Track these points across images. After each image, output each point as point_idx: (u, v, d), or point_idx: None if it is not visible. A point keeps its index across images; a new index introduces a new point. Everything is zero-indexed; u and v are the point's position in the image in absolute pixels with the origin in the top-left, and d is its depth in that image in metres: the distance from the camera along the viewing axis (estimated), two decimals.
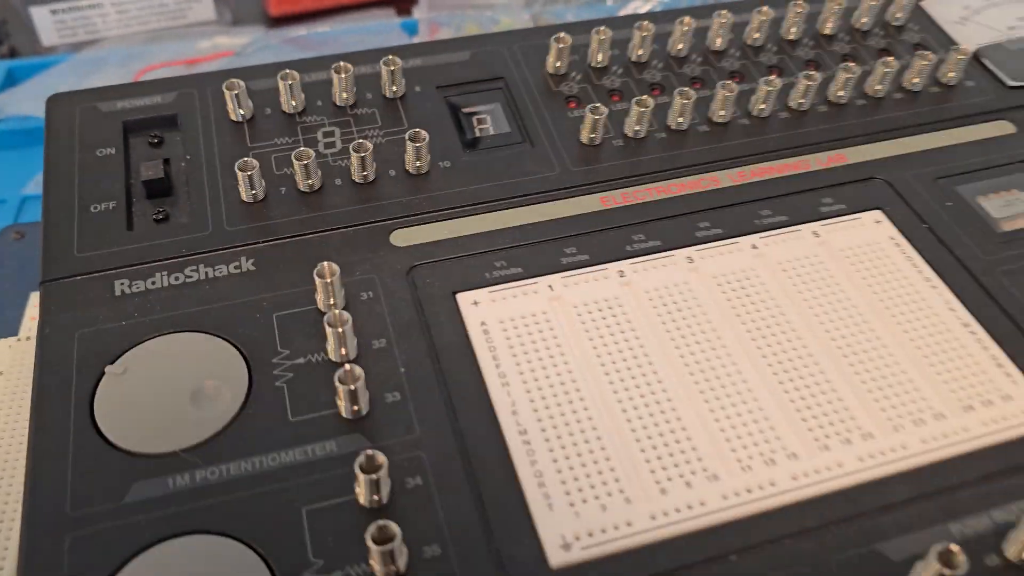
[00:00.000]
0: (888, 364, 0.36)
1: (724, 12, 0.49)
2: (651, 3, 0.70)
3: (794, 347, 0.37)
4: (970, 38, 0.53)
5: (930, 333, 0.38)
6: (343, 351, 0.35)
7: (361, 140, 0.41)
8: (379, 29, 0.70)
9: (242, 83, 0.43)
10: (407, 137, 0.41)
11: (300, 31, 0.69)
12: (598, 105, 0.43)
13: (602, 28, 0.47)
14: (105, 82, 0.63)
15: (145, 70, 0.66)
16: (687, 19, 0.48)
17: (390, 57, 0.45)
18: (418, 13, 0.71)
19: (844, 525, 0.31)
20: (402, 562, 0.29)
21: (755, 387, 0.35)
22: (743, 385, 0.35)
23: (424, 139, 0.41)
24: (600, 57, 0.48)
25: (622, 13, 0.70)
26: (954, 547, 0.28)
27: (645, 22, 0.48)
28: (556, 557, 0.30)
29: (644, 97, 0.44)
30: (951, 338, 0.37)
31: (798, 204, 0.43)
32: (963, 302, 0.39)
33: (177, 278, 0.38)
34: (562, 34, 0.47)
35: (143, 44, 0.72)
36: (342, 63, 0.44)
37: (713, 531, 0.31)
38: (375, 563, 0.29)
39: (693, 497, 0.32)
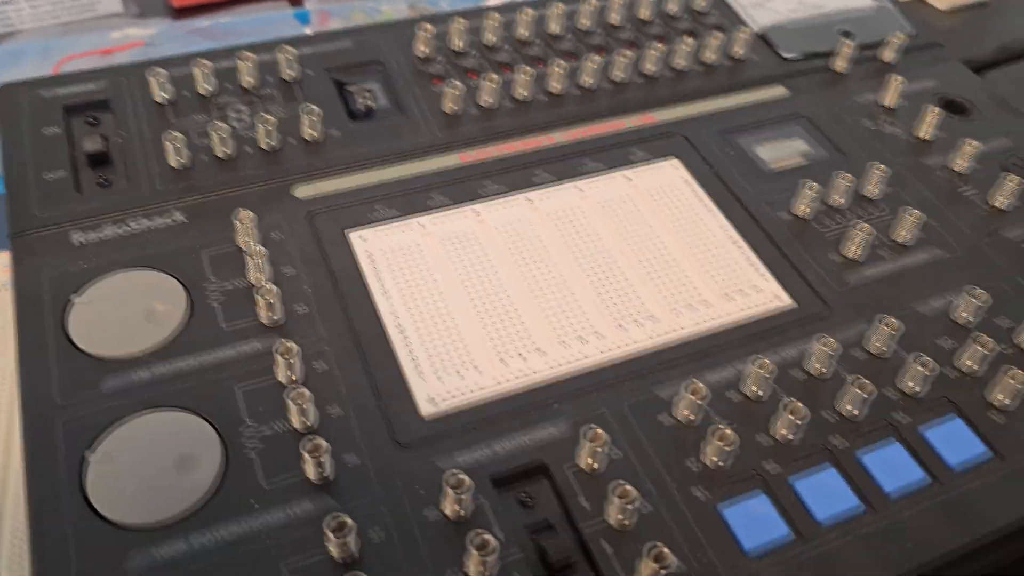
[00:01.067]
0: (672, 268, 0.49)
1: (559, 3, 0.61)
2: None
3: (604, 258, 0.49)
4: (761, 18, 0.67)
5: (705, 246, 0.50)
6: (261, 276, 0.45)
7: (265, 115, 0.52)
8: (274, 19, 0.79)
9: (163, 71, 0.53)
10: (302, 111, 0.52)
11: (203, 22, 0.78)
12: (456, 82, 0.55)
13: (459, 18, 0.58)
14: (26, 72, 0.72)
15: (65, 60, 0.75)
16: (528, 10, 0.60)
17: (285, 46, 0.55)
18: (309, 4, 0.80)
19: (633, 379, 0.44)
20: (312, 418, 0.40)
21: (575, 287, 0.47)
22: (565, 285, 0.47)
23: (317, 113, 0.52)
24: (458, 42, 0.59)
25: (490, 2, 0.81)
26: (696, 382, 0.41)
27: (495, 13, 0.59)
28: (426, 409, 0.42)
29: (493, 74, 0.56)
30: (721, 249, 0.50)
31: (614, 155, 0.55)
32: (733, 223, 0.52)
33: (122, 229, 0.48)
34: (427, 24, 0.58)
35: (58, 36, 0.80)
36: (246, 52, 0.54)
37: (540, 388, 0.43)
38: (293, 418, 0.40)
39: (526, 365, 0.44)
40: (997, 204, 0.54)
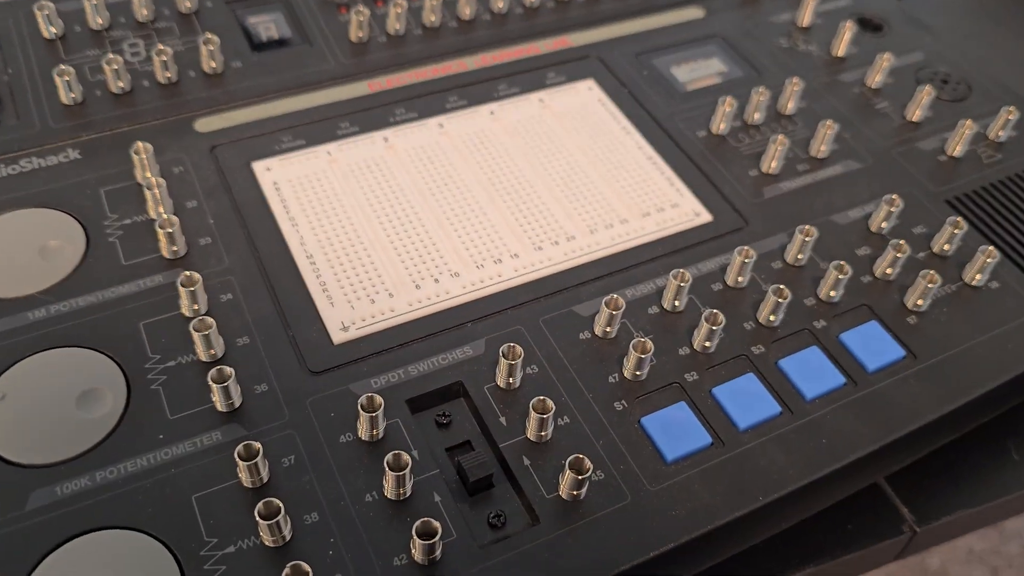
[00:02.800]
0: (588, 187, 0.48)
1: None
2: None
3: (519, 181, 0.48)
4: None
5: (622, 165, 0.50)
6: (161, 209, 0.44)
7: (161, 47, 0.49)
8: None
9: (51, 4, 0.51)
10: (201, 42, 0.50)
11: None
12: (361, 8, 0.53)
13: None
14: None
15: None
16: None
17: None
18: None
19: (550, 297, 0.43)
20: (219, 348, 0.39)
21: (489, 210, 0.46)
22: (479, 209, 0.46)
23: (216, 42, 0.50)
24: None
25: None
26: (614, 296, 0.41)
27: None
28: (337, 336, 0.40)
29: (401, 0, 0.54)
30: (638, 168, 0.50)
31: (528, 78, 0.54)
32: (650, 142, 0.51)
33: (15, 168, 0.46)
34: None
35: None
36: None
37: (456, 309, 0.42)
38: (199, 349, 0.38)
39: (440, 288, 0.43)
40: (911, 117, 0.54)
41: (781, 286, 0.42)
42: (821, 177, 0.50)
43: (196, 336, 0.38)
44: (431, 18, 0.55)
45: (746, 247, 0.43)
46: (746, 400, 0.40)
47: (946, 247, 0.47)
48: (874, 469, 0.42)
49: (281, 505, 0.33)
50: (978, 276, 0.45)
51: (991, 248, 0.45)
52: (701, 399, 0.40)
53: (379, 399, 0.36)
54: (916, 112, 0.54)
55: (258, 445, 0.35)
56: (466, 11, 0.56)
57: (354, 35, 0.53)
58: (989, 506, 0.47)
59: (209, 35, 0.50)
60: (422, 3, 0.55)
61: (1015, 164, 0.53)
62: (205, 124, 0.49)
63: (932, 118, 0.55)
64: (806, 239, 0.45)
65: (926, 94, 0.54)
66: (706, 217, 0.47)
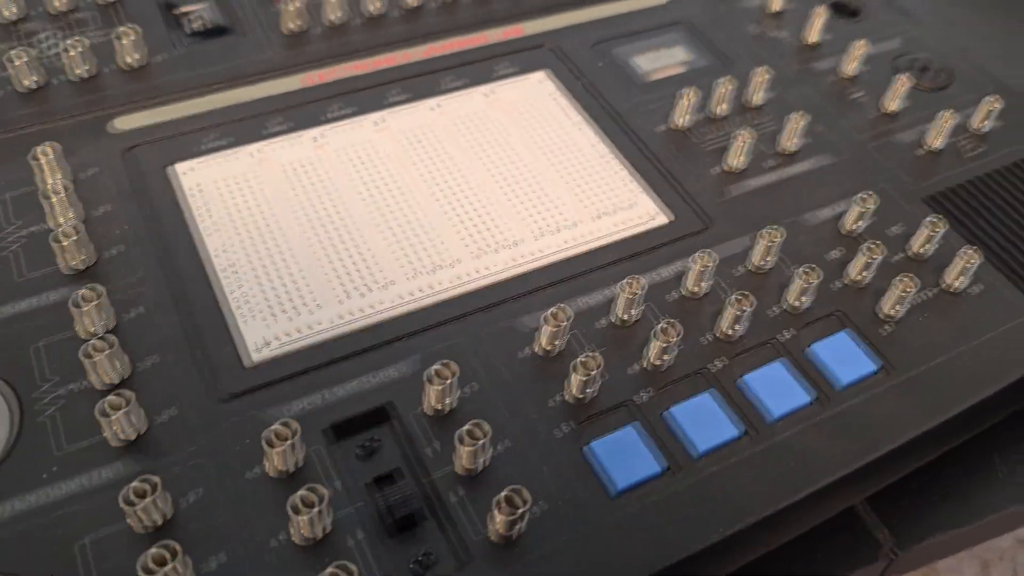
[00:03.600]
0: (536, 188, 0.44)
1: None
2: None
3: (460, 181, 0.44)
4: None
5: (573, 164, 0.46)
6: (61, 219, 0.40)
7: (75, 40, 0.45)
8: None
9: None
10: (118, 34, 0.46)
11: None
12: None
13: None
14: None
15: None
16: None
17: None
18: None
19: (492, 309, 0.39)
20: (120, 371, 0.35)
21: (426, 214, 0.43)
22: (416, 213, 0.43)
23: (133, 34, 0.46)
24: None
25: None
26: (559, 308, 0.37)
27: None
28: (255, 355, 0.37)
29: None
30: (589, 166, 0.46)
31: (476, 70, 0.50)
32: (604, 138, 0.48)
33: None
34: None
35: None
36: None
37: (385, 324, 0.38)
38: (101, 372, 0.34)
39: (371, 300, 0.39)
40: (888, 107, 0.51)
41: (743, 295, 0.38)
42: (790, 173, 0.47)
43: (89, 362, 0.34)
44: (374, 6, 0.51)
45: (704, 253, 0.40)
46: (704, 421, 0.37)
47: (924, 248, 0.43)
48: (847, 494, 0.39)
49: (179, 549, 0.29)
50: (959, 280, 0.42)
51: (972, 250, 0.41)
52: (654, 421, 0.36)
53: (287, 430, 0.32)
54: (893, 102, 0.50)
55: (149, 485, 0.31)
56: None
57: (289, 25, 0.50)
58: (974, 527, 0.43)
59: (126, 27, 0.46)
60: None
61: (999, 157, 0.49)
62: (123, 123, 0.45)
63: (911, 108, 0.51)
64: (771, 243, 0.41)
65: (903, 83, 0.50)
66: (665, 219, 0.44)
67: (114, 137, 0.44)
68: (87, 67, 0.46)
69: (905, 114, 0.51)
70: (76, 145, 0.43)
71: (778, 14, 0.56)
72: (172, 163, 0.43)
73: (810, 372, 0.39)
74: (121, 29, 0.46)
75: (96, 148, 0.43)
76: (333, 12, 0.50)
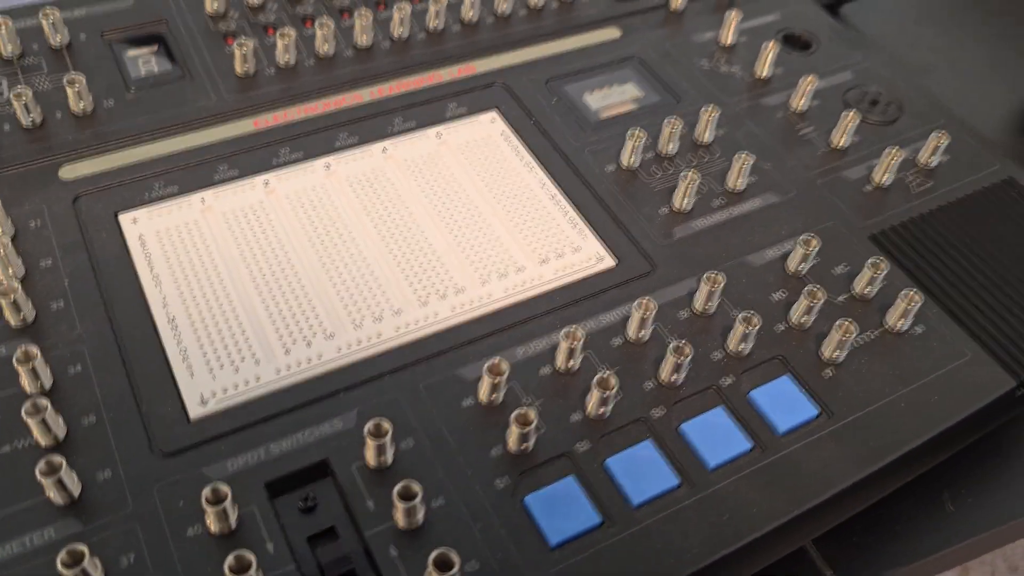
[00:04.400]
0: (483, 232, 0.45)
1: None
2: None
3: (407, 226, 0.44)
4: None
5: (522, 206, 0.46)
6: (10, 271, 0.40)
7: (20, 89, 0.46)
8: None
9: None
10: (64, 82, 0.46)
11: None
12: (243, 40, 0.49)
13: None
14: None
15: None
16: None
17: (47, 10, 0.49)
18: None
19: (433, 359, 0.40)
20: (60, 431, 0.35)
21: (371, 260, 0.43)
22: (362, 259, 0.43)
23: (80, 81, 0.46)
24: None
25: None
26: (498, 360, 0.37)
27: None
28: (194, 411, 0.37)
29: (287, 29, 0.50)
30: (538, 208, 0.46)
31: (427, 111, 0.50)
32: (553, 179, 0.48)
33: None
34: None
35: None
36: (1, 18, 0.48)
37: (327, 376, 0.39)
38: (36, 434, 0.35)
39: (312, 352, 0.39)
40: (837, 143, 0.51)
41: (681, 345, 0.39)
42: (737, 213, 0.47)
43: (29, 421, 0.34)
44: (325, 48, 0.51)
45: (645, 300, 0.40)
46: (642, 471, 0.37)
47: (867, 290, 0.43)
48: (790, 538, 0.39)
49: None
50: (901, 321, 0.42)
51: (913, 292, 0.42)
52: (593, 472, 0.37)
53: (226, 491, 0.33)
54: (842, 138, 0.51)
55: (80, 549, 0.31)
56: (363, 38, 0.52)
57: (240, 68, 0.50)
58: (923, 562, 0.44)
59: (73, 75, 0.46)
60: (314, 32, 0.52)
61: (945, 193, 0.49)
62: (70, 171, 0.45)
63: (859, 144, 0.51)
64: (713, 288, 0.41)
65: (851, 120, 0.50)
66: (609, 262, 0.44)
67: (61, 186, 0.44)
68: (34, 115, 0.46)
69: (854, 149, 0.51)
70: (22, 195, 0.43)
71: (730, 48, 0.57)
72: (119, 211, 0.43)
73: (750, 418, 0.39)
74: (68, 76, 0.46)
75: (43, 198, 0.43)
76: (284, 55, 0.50)
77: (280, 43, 0.50)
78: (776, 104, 0.53)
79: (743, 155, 0.47)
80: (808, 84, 0.52)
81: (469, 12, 0.55)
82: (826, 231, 0.46)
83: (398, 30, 0.53)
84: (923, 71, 0.70)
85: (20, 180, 0.44)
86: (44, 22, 0.49)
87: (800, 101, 0.53)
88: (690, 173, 0.46)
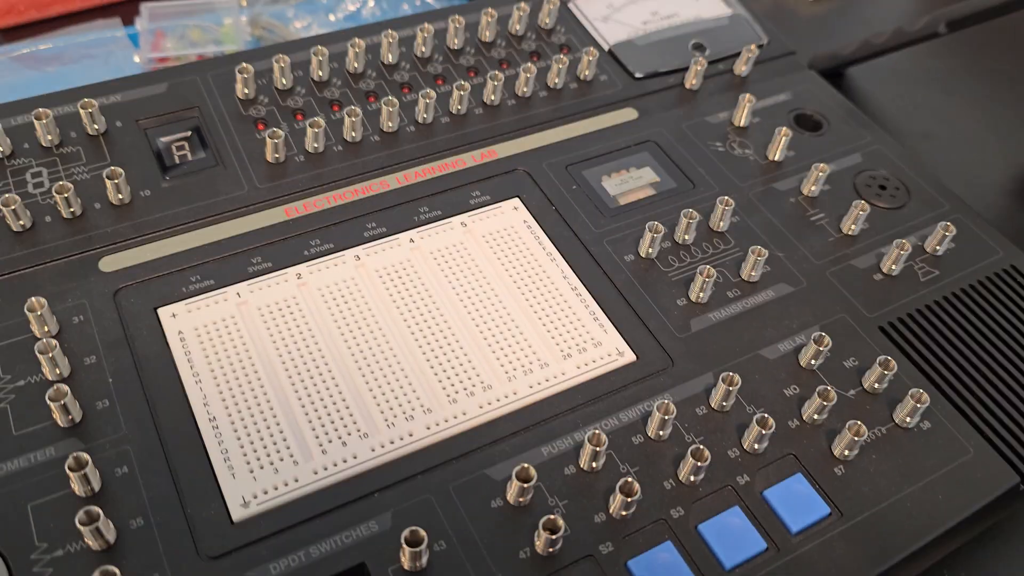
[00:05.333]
0: (508, 327, 0.46)
1: (391, 31, 0.57)
2: (359, 2, 0.77)
3: (436, 321, 0.46)
4: (611, 34, 0.64)
5: (545, 299, 0.48)
6: (57, 371, 0.42)
7: (62, 181, 0.47)
8: (104, 41, 0.74)
9: None
10: (104, 175, 0.48)
11: (22, 48, 0.72)
12: (275, 129, 0.51)
13: (281, 55, 0.54)
14: None
15: None
16: (358, 40, 0.56)
17: (86, 100, 0.50)
18: (139, 24, 0.75)
19: (461, 459, 0.41)
20: (111, 536, 0.37)
21: (402, 357, 0.45)
22: (392, 357, 0.45)
23: (120, 175, 0.48)
24: (284, 81, 0.55)
25: (339, 15, 0.77)
26: (525, 466, 0.39)
27: (319, 46, 0.56)
28: (237, 513, 0.39)
29: (316, 118, 0.52)
30: (561, 301, 0.48)
31: (451, 199, 0.52)
32: (574, 270, 0.50)
33: None
34: (244, 64, 0.54)
35: None
36: (41, 109, 0.50)
37: (362, 477, 0.40)
38: (88, 540, 0.36)
39: (348, 452, 0.41)
40: (847, 230, 0.53)
41: (699, 449, 0.41)
42: (752, 304, 0.49)
43: (83, 531, 0.36)
44: (352, 134, 0.53)
45: (666, 401, 0.42)
46: (666, 572, 0.39)
47: (876, 387, 0.45)
48: None
49: None
50: (909, 418, 0.44)
51: (921, 392, 0.44)
52: (617, 575, 0.38)
53: None
54: (851, 226, 0.53)
55: None
56: (389, 124, 0.54)
57: (270, 155, 0.52)
58: None
59: (113, 168, 0.48)
60: (342, 117, 0.53)
61: (951, 282, 0.51)
62: (110, 262, 0.47)
63: (868, 231, 0.53)
64: (730, 388, 0.43)
65: (862, 208, 0.52)
66: (630, 356, 0.46)
67: (102, 278, 0.46)
68: (75, 208, 0.47)
69: (863, 236, 0.53)
70: (66, 288, 0.45)
71: (742, 129, 0.58)
72: (158, 306, 0.45)
73: (765, 518, 0.41)
74: (108, 171, 0.47)
75: (85, 290, 0.45)
76: (314, 142, 0.52)
77: (310, 131, 0.52)
78: (788, 189, 0.55)
79: (757, 248, 0.49)
80: (819, 172, 0.54)
81: (491, 96, 0.56)
82: (836, 324, 0.48)
83: (422, 115, 0.55)
84: (924, 137, 0.72)
85: (63, 273, 0.46)
86: (82, 112, 0.50)
87: (811, 187, 0.54)
88: (706, 269, 0.48)
